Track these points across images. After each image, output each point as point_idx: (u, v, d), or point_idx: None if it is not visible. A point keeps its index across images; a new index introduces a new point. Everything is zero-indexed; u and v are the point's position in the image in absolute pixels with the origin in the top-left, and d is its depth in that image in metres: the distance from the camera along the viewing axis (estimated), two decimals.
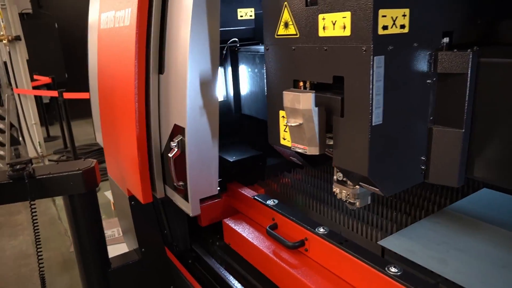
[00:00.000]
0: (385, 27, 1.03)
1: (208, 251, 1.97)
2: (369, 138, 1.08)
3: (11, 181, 1.67)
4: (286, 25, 1.30)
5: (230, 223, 1.83)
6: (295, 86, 1.33)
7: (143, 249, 2.05)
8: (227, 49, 2.04)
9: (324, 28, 1.16)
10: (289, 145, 1.37)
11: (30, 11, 7.96)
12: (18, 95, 5.79)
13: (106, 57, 2.01)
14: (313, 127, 1.20)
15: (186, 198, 1.61)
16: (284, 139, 1.43)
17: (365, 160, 1.11)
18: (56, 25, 8.44)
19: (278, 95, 1.35)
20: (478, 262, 1.21)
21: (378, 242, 1.37)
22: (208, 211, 1.89)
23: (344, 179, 1.32)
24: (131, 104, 1.68)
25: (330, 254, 1.39)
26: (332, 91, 1.22)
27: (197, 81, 1.49)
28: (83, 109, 6.92)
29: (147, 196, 1.79)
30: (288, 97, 1.25)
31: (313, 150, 1.24)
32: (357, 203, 1.34)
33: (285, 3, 1.28)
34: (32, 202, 1.70)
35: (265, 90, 1.49)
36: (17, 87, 5.73)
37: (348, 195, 1.34)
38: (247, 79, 1.99)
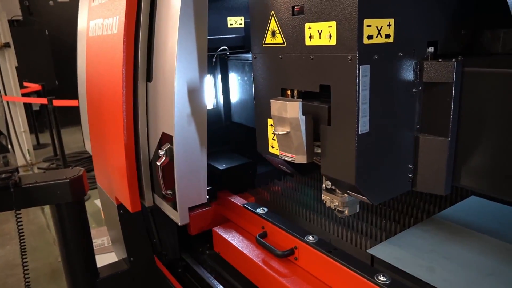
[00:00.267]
0: (370, 37, 1.04)
1: (197, 260, 1.95)
2: (356, 147, 1.09)
3: None
4: (273, 34, 1.30)
5: (220, 231, 1.82)
6: (282, 94, 1.34)
7: (132, 258, 2.03)
8: (217, 57, 2.04)
9: (310, 37, 1.16)
10: (277, 154, 1.37)
11: (20, 18, 7.91)
12: (7, 102, 5.73)
13: (94, 64, 2.00)
14: (300, 135, 1.20)
15: (174, 206, 1.59)
16: (273, 147, 1.43)
17: (352, 168, 1.11)
18: (46, 32, 8.39)
19: (266, 104, 1.35)
20: (466, 270, 1.21)
21: (367, 251, 1.37)
22: (197, 220, 1.87)
23: (333, 187, 1.32)
24: (119, 112, 1.67)
25: (320, 263, 1.39)
26: (319, 100, 1.22)
27: (184, 89, 1.49)
28: (73, 117, 6.87)
29: (135, 205, 1.77)
30: (276, 105, 1.25)
31: (300, 159, 1.24)
32: (346, 211, 1.34)
33: (272, 12, 1.29)
34: (17, 212, 1.68)
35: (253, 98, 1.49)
36: (6, 94, 5.67)
37: (336, 203, 1.34)
38: (237, 87, 1.99)
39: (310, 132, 1.21)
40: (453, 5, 1.24)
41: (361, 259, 1.33)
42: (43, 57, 8.21)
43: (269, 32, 1.32)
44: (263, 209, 1.72)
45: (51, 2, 8.93)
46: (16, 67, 5.70)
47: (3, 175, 1.65)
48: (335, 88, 1.12)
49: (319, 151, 1.23)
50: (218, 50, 2.04)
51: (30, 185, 1.69)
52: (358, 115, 1.07)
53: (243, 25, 2.29)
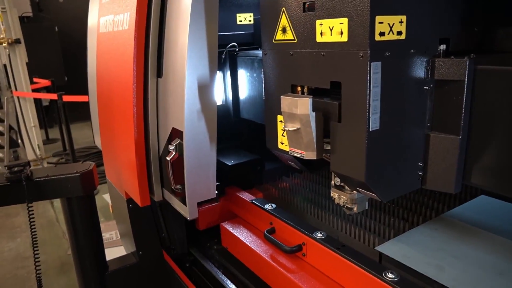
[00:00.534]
0: (382, 34, 1.04)
1: (205, 255, 1.96)
2: (366, 144, 1.09)
3: (8, 183, 1.67)
4: (284, 30, 1.31)
5: (228, 227, 1.83)
6: (293, 91, 1.34)
7: (140, 252, 2.05)
8: (226, 54, 2.04)
9: (321, 33, 1.16)
10: (287, 150, 1.38)
11: (31, 14, 7.98)
12: (18, 97, 5.79)
13: (105, 60, 2.01)
14: (310, 132, 1.21)
15: (183, 201, 1.60)
16: (282, 143, 1.44)
17: (362, 165, 1.11)
18: (56, 29, 8.46)
19: (276, 100, 1.35)
20: (475, 269, 1.21)
21: (375, 248, 1.37)
22: (206, 215, 1.88)
23: (342, 184, 1.33)
24: (130, 107, 1.69)
25: (328, 259, 1.39)
26: (329, 96, 1.22)
27: (195, 85, 1.50)
28: (82, 112, 6.93)
29: (145, 199, 1.79)
30: (286, 101, 1.25)
31: (310, 155, 1.25)
32: (355, 208, 1.34)
33: (283, 8, 1.29)
34: (29, 205, 1.70)
35: (263, 94, 1.49)
36: (16, 89, 5.74)
37: (345, 200, 1.34)
38: (246, 83, 1.99)
39: (320, 128, 1.21)
40: (465, 2, 1.23)
41: (369, 257, 1.33)
42: (53, 53, 8.29)
43: (279, 29, 1.32)
44: (271, 205, 1.73)
45: None
46: (26, 63, 5.76)
47: (16, 169, 1.68)
48: (346, 85, 1.12)
49: (329, 147, 1.24)
50: (228, 46, 2.05)
51: (42, 179, 1.72)
52: (369, 112, 1.07)
53: (252, 22, 2.29)
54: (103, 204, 4.45)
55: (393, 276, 1.18)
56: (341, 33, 1.09)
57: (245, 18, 2.30)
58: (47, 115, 8.10)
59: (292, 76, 1.32)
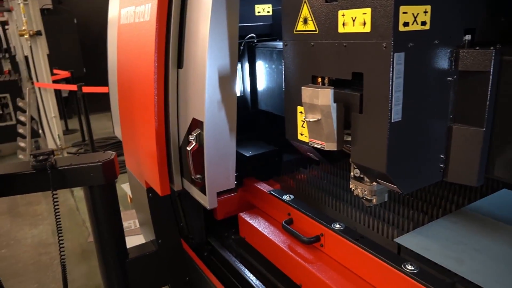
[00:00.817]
0: (406, 24, 1.03)
1: (223, 244, 2.00)
2: (388, 135, 1.08)
3: (34, 171, 1.72)
4: (305, 21, 1.30)
5: (246, 217, 1.85)
6: (313, 82, 1.34)
7: (160, 241, 2.09)
8: (245, 45, 2.05)
9: (343, 24, 1.16)
10: (307, 141, 1.38)
11: (50, 6, 8.11)
12: (39, 88, 5.92)
13: (126, 52, 2.04)
14: (331, 123, 1.21)
15: (203, 191, 1.63)
16: (302, 134, 1.44)
17: (383, 156, 1.11)
18: (75, 21, 8.58)
19: (296, 91, 1.35)
20: (496, 262, 1.20)
21: (394, 240, 1.37)
22: (224, 205, 1.91)
23: (361, 175, 1.33)
24: (150, 98, 1.71)
25: (346, 250, 1.40)
26: (350, 87, 1.22)
27: (215, 76, 1.51)
28: (100, 103, 7.06)
29: (165, 189, 1.82)
30: (307, 92, 1.26)
31: (331, 146, 1.25)
32: (374, 200, 1.34)
33: None
34: (54, 192, 1.75)
35: (283, 85, 1.49)
36: (37, 81, 5.86)
37: (365, 191, 1.34)
38: (264, 74, 2.00)
39: (341, 119, 1.21)
40: None
41: (388, 248, 1.33)
42: (72, 45, 8.42)
43: (301, 19, 1.32)
44: (289, 196, 1.74)
45: None
46: (47, 55, 5.87)
47: (41, 157, 1.73)
48: (368, 75, 1.11)
49: (349, 139, 1.24)
50: (246, 37, 2.05)
51: (66, 167, 1.76)
52: (391, 103, 1.06)
53: (270, 13, 2.29)
54: (121, 194, 4.53)
55: (413, 268, 1.19)
56: (364, 23, 1.09)
57: (263, 9, 2.30)
58: (66, 106, 8.26)
59: (313, 67, 1.32)
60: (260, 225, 1.77)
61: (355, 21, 1.12)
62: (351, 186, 1.39)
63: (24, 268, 3.47)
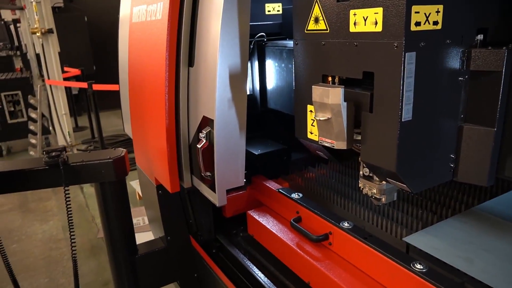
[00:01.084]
0: (417, 24, 1.03)
1: (231, 242, 2.01)
2: (398, 134, 1.09)
3: (47, 167, 1.75)
4: (317, 20, 1.31)
5: (254, 214, 1.87)
6: (323, 81, 1.34)
7: (168, 237, 2.11)
8: (254, 44, 2.06)
9: (355, 23, 1.16)
10: (316, 139, 1.39)
11: (62, 5, 8.20)
12: (50, 86, 5.99)
13: (137, 50, 2.07)
14: (341, 121, 1.21)
15: (213, 188, 1.64)
16: (311, 133, 1.45)
17: (393, 156, 1.11)
18: (85, 19, 8.66)
19: (307, 90, 1.36)
20: (506, 262, 1.20)
21: (403, 239, 1.37)
22: (232, 203, 1.92)
23: (371, 174, 1.33)
24: (161, 96, 1.73)
25: (354, 249, 1.40)
26: (361, 87, 1.22)
27: (226, 74, 1.52)
28: (109, 101, 7.13)
29: (174, 186, 1.84)
30: (317, 91, 1.26)
31: (340, 145, 1.25)
32: (383, 199, 1.34)
33: None
34: (66, 188, 1.78)
35: (292, 84, 1.50)
36: (48, 78, 5.93)
37: (374, 190, 1.34)
38: (274, 73, 2.01)
39: (351, 118, 1.22)
40: None
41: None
42: (82, 43, 8.51)
43: (312, 18, 1.33)
44: (298, 194, 1.75)
45: None
46: (58, 53, 5.93)
47: (53, 154, 1.76)
48: (379, 75, 1.12)
49: (359, 138, 1.24)
50: (256, 36, 2.06)
51: (77, 164, 1.79)
52: (402, 103, 1.06)
53: (280, 12, 2.29)
54: (130, 191, 4.58)
55: (422, 267, 1.19)
56: (376, 23, 1.09)
57: (273, 8, 2.30)
58: (76, 104, 8.35)
59: (324, 66, 1.32)
60: (268, 223, 1.78)
61: (366, 20, 1.12)
62: (360, 185, 1.40)
63: (35, 263, 3.52)
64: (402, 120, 1.08)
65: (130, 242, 2.03)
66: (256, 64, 2.10)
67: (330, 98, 1.21)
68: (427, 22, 1.05)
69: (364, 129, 1.20)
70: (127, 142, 6.49)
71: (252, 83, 2.15)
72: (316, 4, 1.30)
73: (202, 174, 1.66)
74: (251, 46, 2.04)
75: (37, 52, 6.62)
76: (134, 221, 3.90)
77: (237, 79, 1.55)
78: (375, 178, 1.32)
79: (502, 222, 1.41)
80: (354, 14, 1.16)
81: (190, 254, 2.17)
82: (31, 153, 6.13)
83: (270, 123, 2.29)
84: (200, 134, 1.61)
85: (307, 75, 1.41)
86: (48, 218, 4.37)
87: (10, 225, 4.26)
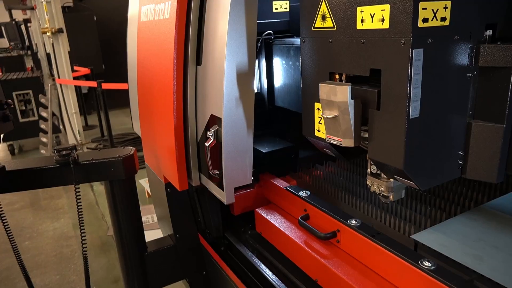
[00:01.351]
0: (425, 20, 1.03)
1: (240, 239, 2.02)
2: (406, 132, 1.08)
3: (58, 165, 1.78)
4: (324, 17, 1.31)
5: (262, 212, 1.87)
6: (331, 78, 1.34)
7: (177, 235, 2.13)
8: (262, 42, 2.06)
9: (362, 21, 1.16)
10: (324, 137, 1.39)
11: (71, 4, 8.27)
12: (60, 85, 6.06)
13: (146, 49, 2.08)
14: (348, 119, 1.21)
15: (221, 186, 1.65)
16: (319, 131, 1.45)
17: (401, 153, 1.11)
18: (94, 18, 8.74)
19: (314, 87, 1.36)
20: None
21: (411, 236, 1.36)
22: (241, 200, 1.93)
23: (378, 172, 1.33)
24: (170, 94, 1.75)
25: (362, 246, 1.40)
26: (368, 84, 1.22)
27: (234, 73, 1.53)
28: (118, 100, 7.19)
29: (183, 184, 1.86)
30: (325, 89, 1.26)
31: (348, 142, 1.25)
32: (391, 197, 1.34)
33: None
34: (76, 186, 1.81)
35: (300, 82, 1.50)
36: (59, 77, 6.00)
37: (381, 188, 1.34)
38: (281, 71, 2.01)
39: (358, 116, 1.22)
40: None
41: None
42: (91, 42, 8.59)
43: (319, 16, 1.33)
44: (305, 192, 1.75)
45: None
46: (68, 52, 6.00)
47: (64, 152, 1.79)
48: (386, 72, 1.11)
49: (366, 135, 1.24)
50: (263, 34, 2.06)
51: (87, 162, 1.81)
52: (409, 100, 1.06)
53: (288, 10, 2.29)
54: (139, 189, 4.63)
55: (430, 265, 1.18)
56: (383, 20, 1.09)
57: (281, 6, 2.30)
58: (86, 102, 8.44)
59: (331, 64, 1.32)
60: (276, 220, 1.79)
61: (373, 17, 1.12)
62: (367, 183, 1.39)
63: (46, 260, 3.58)
64: (410, 117, 1.08)
65: (139, 240, 2.06)
66: (263, 62, 2.10)
67: (337, 95, 1.21)
68: (434, 18, 1.04)
69: (372, 126, 1.20)
70: (136, 141, 6.55)
71: (259, 81, 2.15)
72: (323, 1, 1.29)
73: (210, 172, 1.67)
74: (259, 44, 2.05)
75: (47, 51, 6.70)
76: (143, 219, 3.94)
77: (244, 77, 1.55)
78: (383, 175, 1.32)
79: None
80: (361, 11, 1.16)
81: (199, 252, 2.19)
82: (42, 151, 6.22)
83: (277, 121, 2.29)
84: (208, 132, 1.62)
85: (314, 73, 1.41)
86: (59, 216, 4.43)
87: (22, 223, 4.34)
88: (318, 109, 1.41)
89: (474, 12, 1.12)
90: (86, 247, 1.84)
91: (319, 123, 1.43)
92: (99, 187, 5.00)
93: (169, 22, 1.71)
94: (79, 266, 3.35)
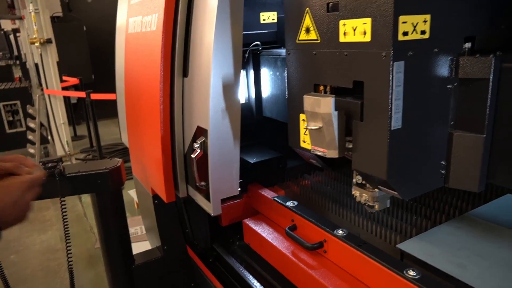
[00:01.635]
0: (405, 33, 1.05)
1: (228, 250, 2.01)
2: (388, 142, 1.10)
3: (43, 178, 1.75)
4: (308, 30, 1.33)
5: (250, 223, 1.87)
6: (315, 90, 1.36)
7: (165, 247, 2.12)
8: (249, 53, 2.08)
9: (344, 33, 1.18)
10: (309, 148, 1.40)
11: (61, 14, 8.25)
12: (48, 95, 6.01)
13: (133, 60, 2.09)
14: (332, 130, 1.23)
15: (207, 198, 1.65)
16: (304, 142, 1.46)
17: (384, 163, 1.12)
18: (84, 28, 8.71)
19: (299, 99, 1.37)
20: (499, 268, 1.20)
21: (396, 246, 1.37)
22: (228, 211, 1.93)
23: (363, 182, 1.34)
24: (156, 106, 1.75)
25: (349, 256, 1.41)
26: (352, 96, 1.24)
27: (220, 84, 1.54)
28: (108, 110, 7.14)
29: (170, 195, 1.85)
30: (309, 101, 1.28)
31: (332, 153, 1.27)
32: (376, 206, 1.35)
33: (307, 9, 1.31)
34: (62, 199, 1.79)
35: (286, 93, 1.52)
36: (47, 88, 5.96)
37: (367, 198, 1.35)
38: (269, 82, 2.02)
39: (342, 127, 1.23)
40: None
41: (391, 254, 1.34)
42: (81, 52, 8.55)
43: (303, 29, 1.35)
44: (293, 202, 1.75)
45: None
46: (57, 62, 5.97)
47: (50, 164, 1.76)
48: (369, 84, 1.13)
49: (351, 146, 1.25)
50: (251, 45, 2.08)
51: (74, 174, 1.79)
52: (391, 111, 1.08)
53: (275, 21, 2.31)
54: (129, 200, 4.58)
55: (415, 274, 1.19)
56: (364, 33, 1.11)
57: (268, 17, 2.32)
58: (75, 113, 8.37)
59: (315, 76, 1.34)
60: (264, 231, 1.79)
61: (355, 30, 1.14)
62: (353, 193, 1.40)
63: (32, 274, 3.51)
64: (392, 129, 1.09)
65: (126, 252, 2.03)
66: (251, 72, 2.11)
67: (321, 107, 1.22)
68: (414, 31, 1.07)
69: (355, 137, 1.21)
70: (125, 151, 6.50)
71: (247, 92, 2.16)
72: (307, 14, 1.32)
73: (197, 184, 1.67)
74: (246, 55, 2.06)
75: (36, 61, 6.65)
76: (132, 230, 3.90)
77: (230, 89, 1.56)
78: (368, 185, 1.33)
79: (496, 227, 1.41)
80: (344, 25, 1.18)
81: (187, 264, 2.17)
82: None
83: (265, 131, 2.30)
84: (195, 144, 1.62)
85: (299, 84, 1.42)
86: (46, 228, 4.36)
87: (8, 236, 4.25)
88: (304, 120, 1.42)
89: (453, 25, 1.14)
90: (71, 261, 1.81)
91: (304, 134, 1.45)
92: (87, 199, 4.94)
93: (156, 34, 1.72)
94: (65, 280, 3.29)
